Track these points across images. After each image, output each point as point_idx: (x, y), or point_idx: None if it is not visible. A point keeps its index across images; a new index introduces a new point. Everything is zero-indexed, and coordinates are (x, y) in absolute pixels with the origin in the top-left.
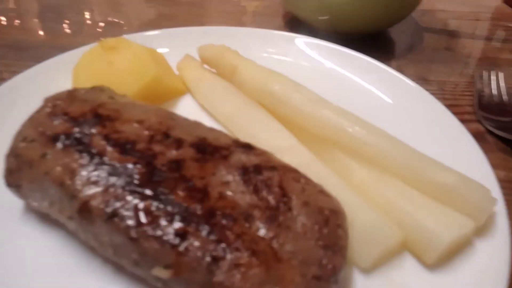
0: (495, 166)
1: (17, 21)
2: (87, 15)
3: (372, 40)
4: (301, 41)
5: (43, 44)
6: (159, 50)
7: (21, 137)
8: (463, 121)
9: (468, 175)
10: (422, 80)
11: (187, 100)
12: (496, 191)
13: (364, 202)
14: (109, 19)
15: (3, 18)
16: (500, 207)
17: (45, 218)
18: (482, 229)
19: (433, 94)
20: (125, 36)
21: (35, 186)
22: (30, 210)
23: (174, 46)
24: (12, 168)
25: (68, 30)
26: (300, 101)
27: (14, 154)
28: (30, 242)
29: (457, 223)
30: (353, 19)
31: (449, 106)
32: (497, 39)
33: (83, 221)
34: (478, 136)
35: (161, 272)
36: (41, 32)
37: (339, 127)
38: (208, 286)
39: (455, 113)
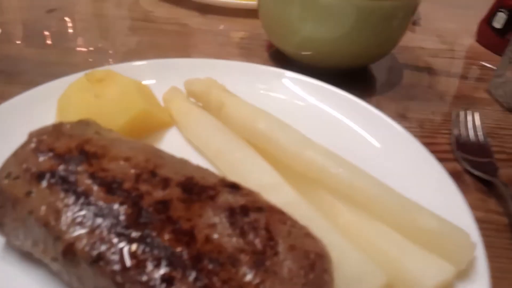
0: (473, 206)
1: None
2: (73, 41)
3: (354, 76)
4: (289, 77)
5: (29, 70)
6: (146, 81)
7: (5, 173)
8: (440, 159)
9: (447, 216)
10: (400, 117)
11: (173, 132)
12: (474, 233)
13: (349, 244)
14: (96, 45)
15: None
16: (479, 251)
17: (26, 256)
18: (464, 273)
19: (411, 131)
20: (112, 67)
21: (18, 224)
22: (11, 247)
23: (160, 78)
24: None
25: (53, 56)
26: (286, 141)
27: None
28: (9, 281)
29: (440, 269)
30: (335, 56)
31: (427, 144)
32: (472, 78)
33: (67, 263)
34: (455, 176)
35: None
36: (27, 57)
37: (324, 168)
38: None
39: (433, 152)
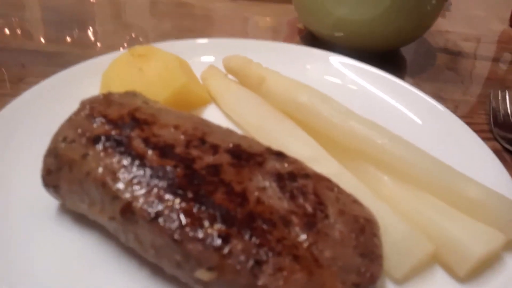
0: None
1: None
2: (106, 25)
3: (385, 59)
4: (335, 59)
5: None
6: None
7: (61, 137)
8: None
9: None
10: (437, 98)
11: (213, 109)
12: None
13: (396, 213)
14: (129, 30)
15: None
16: None
17: (79, 219)
18: (510, 244)
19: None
20: (153, 44)
21: (75, 186)
22: (64, 211)
23: (198, 57)
24: (51, 169)
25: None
26: (329, 112)
27: (53, 154)
28: (64, 243)
29: (488, 237)
30: (368, 37)
31: (467, 124)
32: (505, 61)
33: (125, 222)
34: (495, 154)
35: (204, 275)
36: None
37: (368, 139)
38: None
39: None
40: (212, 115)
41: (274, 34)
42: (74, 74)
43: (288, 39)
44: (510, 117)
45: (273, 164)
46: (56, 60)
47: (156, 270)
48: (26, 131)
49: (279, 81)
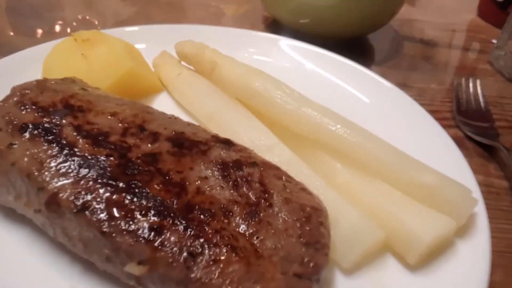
0: (474, 171)
1: None
2: (60, 13)
3: (352, 46)
4: (284, 43)
5: (13, 42)
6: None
7: None
8: (442, 126)
9: (447, 175)
10: (402, 86)
11: (164, 97)
12: (476, 192)
13: (347, 202)
14: (83, 17)
15: None
16: (480, 208)
17: (9, 213)
18: (463, 230)
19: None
20: (102, 31)
21: (0, 178)
22: None
23: (151, 43)
24: None
25: (39, 30)
26: (282, 99)
27: None
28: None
29: (439, 223)
30: (333, 23)
31: (429, 112)
32: (473, 50)
33: (51, 215)
34: (457, 141)
35: (135, 269)
36: (11, 31)
37: (322, 125)
38: (184, 282)
39: (436, 118)
40: (163, 103)
41: (240, 22)
42: (15, 61)
43: (253, 27)
44: (473, 105)
45: (218, 153)
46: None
47: (89, 265)
48: None
49: (231, 66)
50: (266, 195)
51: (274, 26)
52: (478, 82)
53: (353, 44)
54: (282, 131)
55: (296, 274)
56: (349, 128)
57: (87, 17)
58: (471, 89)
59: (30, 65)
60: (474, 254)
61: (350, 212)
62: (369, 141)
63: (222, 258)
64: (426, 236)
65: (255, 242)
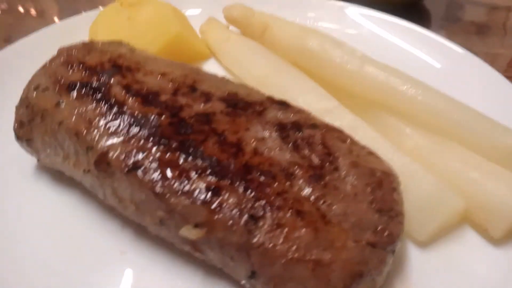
0: None
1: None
2: None
3: (407, 12)
4: (338, 6)
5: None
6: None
7: (33, 86)
8: None
9: None
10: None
11: (212, 64)
12: None
13: (420, 167)
14: None
15: None
16: None
17: (58, 177)
18: None
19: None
20: None
21: (48, 138)
22: (42, 168)
23: (197, 9)
24: (23, 120)
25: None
26: (342, 59)
27: (25, 104)
28: (42, 203)
29: None
30: None
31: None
32: None
33: (101, 175)
34: None
35: (190, 232)
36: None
37: (387, 86)
38: (246, 248)
39: None
40: (213, 70)
41: None
42: (62, 28)
43: None
44: None
45: (274, 114)
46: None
47: (141, 230)
48: (11, 87)
49: (284, 27)
50: (331, 158)
51: None
52: None
53: (410, 10)
54: (342, 94)
55: (370, 243)
56: (418, 87)
57: None
58: None
59: (76, 32)
60: None
61: (424, 178)
62: (444, 102)
63: (287, 222)
64: None
65: (322, 207)
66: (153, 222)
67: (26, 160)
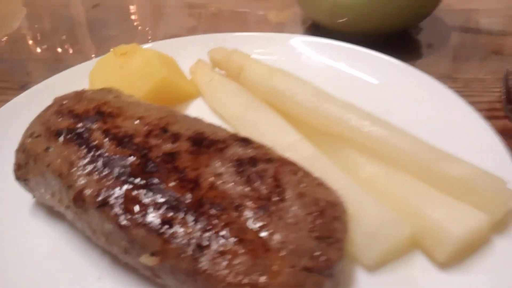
0: None
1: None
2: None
3: (395, 42)
4: (298, 40)
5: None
6: (176, 57)
7: (29, 133)
8: (490, 117)
9: (483, 166)
10: (447, 77)
11: (199, 103)
12: None
13: (370, 196)
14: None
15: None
16: None
17: (50, 211)
18: (502, 226)
19: (458, 91)
20: (144, 45)
21: (39, 178)
22: (38, 204)
23: (187, 53)
24: (20, 163)
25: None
26: (302, 97)
27: (22, 149)
28: (37, 233)
29: (470, 217)
30: (371, 19)
31: (475, 103)
32: None
33: (78, 210)
34: (506, 133)
35: (148, 260)
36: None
37: (343, 120)
38: (192, 273)
39: (480, 110)
40: (198, 108)
41: (279, 28)
42: (66, 76)
43: (293, 31)
44: None
45: (235, 150)
46: (59, 66)
47: (115, 259)
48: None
49: (256, 68)
50: (279, 190)
51: (313, 28)
52: None
53: (397, 40)
54: (306, 129)
55: (306, 268)
56: (371, 121)
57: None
58: None
59: (79, 79)
60: (510, 252)
61: (373, 206)
62: (392, 134)
63: (229, 250)
64: (455, 231)
65: (264, 235)
66: (119, 251)
67: (25, 196)
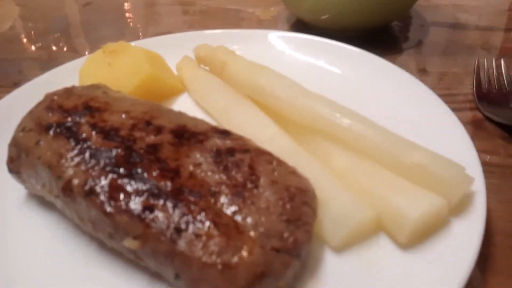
0: (493, 152)
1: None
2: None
3: (376, 36)
4: (274, 35)
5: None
6: (164, 53)
7: (21, 127)
8: (461, 109)
9: (448, 156)
10: (420, 71)
11: (185, 98)
12: (477, 171)
13: (340, 184)
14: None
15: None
16: (479, 187)
17: (42, 201)
18: (460, 210)
19: (428, 84)
20: (134, 42)
21: (30, 170)
22: (30, 195)
23: (176, 49)
24: (13, 156)
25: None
26: (281, 91)
27: (14, 143)
28: (28, 223)
29: (427, 200)
30: (352, 15)
31: (446, 95)
32: (501, 29)
33: (66, 199)
34: (476, 124)
35: (130, 243)
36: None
37: (317, 113)
38: (171, 255)
39: (452, 102)
40: (184, 103)
41: (265, 25)
42: (58, 73)
43: (279, 28)
44: (495, 85)
45: (214, 142)
46: (51, 64)
47: (101, 245)
48: (9, 128)
49: (238, 64)
50: (253, 177)
51: (298, 25)
52: (502, 61)
53: (378, 35)
54: (286, 122)
55: (274, 248)
56: (342, 113)
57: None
58: (494, 70)
59: (69, 76)
60: (466, 234)
61: (340, 193)
62: (360, 125)
63: (204, 233)
64: (413, 213)
65: (237, 219)
66: (105, 236)
67: (18, 188)
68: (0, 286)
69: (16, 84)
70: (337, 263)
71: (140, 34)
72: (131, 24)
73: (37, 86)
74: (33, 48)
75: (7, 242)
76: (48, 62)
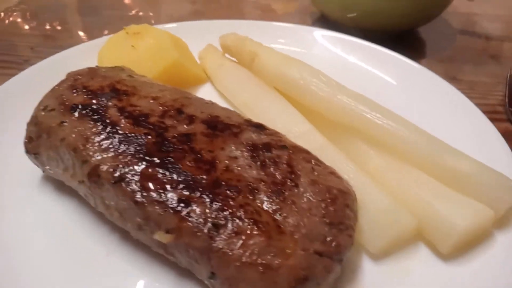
0: None
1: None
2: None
3: (402, 40)
4: (319, 33)
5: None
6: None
7: (42, 106)
8: (492, 119)
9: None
10: (451, 79)
11: (207, 88)
12: None
13: (378, 188)
14: (140, 13)
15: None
16: None
17: (60, 186)
18: (505, 222)
19: (463, 92)
20: (155, 26)
21: (51, 152)
22: (47, 178)
23: (198, 37)
24: (32, 136)
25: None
26: (317, 86)
27: (34, 122)
28: (44, 208)
29: (474, 212)
30: (380, 16)
31: (478, 105)
32: None
33: (92, 185)
34: (507, 135)
35: (162, 237)
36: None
37: (356, 112)
38: (207, 251)
39: (484, 112)
40: (207, 93)
41: (288, 19)
42: (74, 53)
43: (301, 23)
44: None
45: (249, 135)
46: (63, 43)
47: (124, 236)
48: (25, 106)
49: (270, 56)
50: (293, 176)
51: (322, 21)
52: None
53: (403, 38)
54: (318, 119)
55: (317, 251)
56: (383, 114)
57: (144, 14)
58: None
59: (87, 57)
60: (511, 246)
61: (380, 198)
62: (402, 127)
63: (244, 230)
64: (459, 224)
65: (278, 218)
66: (133, 227)
67: (33, 170)
68: (19, 274)
69: (26, 61)
70: (375, 270)
71: (152, 21)
72: (140, 12)
73: (53, 65)
74: (43, 25)
75: (21, 230)
76: (58, 40)
